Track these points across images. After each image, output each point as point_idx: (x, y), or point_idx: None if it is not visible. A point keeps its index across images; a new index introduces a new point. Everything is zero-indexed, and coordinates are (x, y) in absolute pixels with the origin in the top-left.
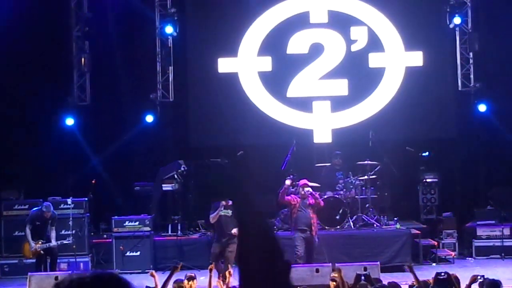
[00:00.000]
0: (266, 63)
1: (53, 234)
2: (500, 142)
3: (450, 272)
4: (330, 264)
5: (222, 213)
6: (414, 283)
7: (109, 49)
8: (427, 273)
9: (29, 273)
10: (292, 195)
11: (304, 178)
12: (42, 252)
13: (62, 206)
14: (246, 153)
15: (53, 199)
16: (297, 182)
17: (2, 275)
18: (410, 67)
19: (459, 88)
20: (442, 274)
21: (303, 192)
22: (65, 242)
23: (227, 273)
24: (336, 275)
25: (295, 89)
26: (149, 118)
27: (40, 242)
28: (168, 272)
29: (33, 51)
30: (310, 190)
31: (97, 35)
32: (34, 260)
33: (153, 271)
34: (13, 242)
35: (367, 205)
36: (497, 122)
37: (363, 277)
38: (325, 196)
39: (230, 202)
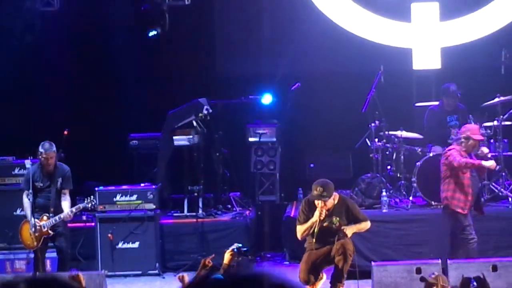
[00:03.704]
0: None
1: (66, 202)
2: None
3: None
4: (439, 260)
5: (324, 223)
6: None
7: None
8: None
9: None
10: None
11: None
12: (51, 233)
13: (16, 171)
14: (303, 85)
15: (1, 160)
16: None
17: None
18: None
19: None
20: None
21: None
22: (84, 206)
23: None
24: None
25: None
26: (152, 31)
27: (45, 218)
28: (191, 273)
29: None
30: (487, 150)
31: None
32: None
33: (184, 274)
34: None
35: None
36: None
37: (474, 282)
38: (432, 154)
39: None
